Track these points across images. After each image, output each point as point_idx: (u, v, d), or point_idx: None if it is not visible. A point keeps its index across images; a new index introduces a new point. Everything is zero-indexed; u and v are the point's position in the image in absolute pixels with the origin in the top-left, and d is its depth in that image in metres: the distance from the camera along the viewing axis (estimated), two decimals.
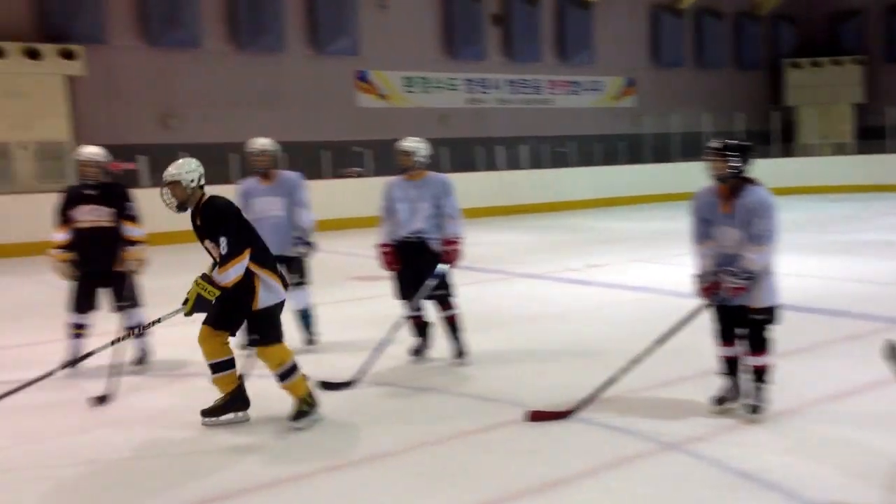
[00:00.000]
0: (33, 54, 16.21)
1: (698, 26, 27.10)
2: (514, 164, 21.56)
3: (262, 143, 6.67)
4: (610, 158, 23.25)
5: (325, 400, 5.32)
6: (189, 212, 4.84)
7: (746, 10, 28.03)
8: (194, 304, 4.65)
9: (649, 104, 25.81)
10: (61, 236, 6.23)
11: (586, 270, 10.67)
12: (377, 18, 21.09)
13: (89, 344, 6.10)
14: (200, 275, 4.73)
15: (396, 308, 6.34)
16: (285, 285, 4.94)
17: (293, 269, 6.52)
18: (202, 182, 4.83)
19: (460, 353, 6.19)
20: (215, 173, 17.38)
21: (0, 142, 16.01)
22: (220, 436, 4.75)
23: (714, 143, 4.74)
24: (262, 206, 6.54)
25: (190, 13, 18.48)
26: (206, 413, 4.90)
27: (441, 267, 6.02)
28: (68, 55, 16.52)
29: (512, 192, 20.60)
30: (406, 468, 4.22)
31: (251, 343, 4.99)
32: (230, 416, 4.90)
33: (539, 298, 9.06)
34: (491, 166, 21.27)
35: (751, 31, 28.18)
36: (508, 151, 21.61)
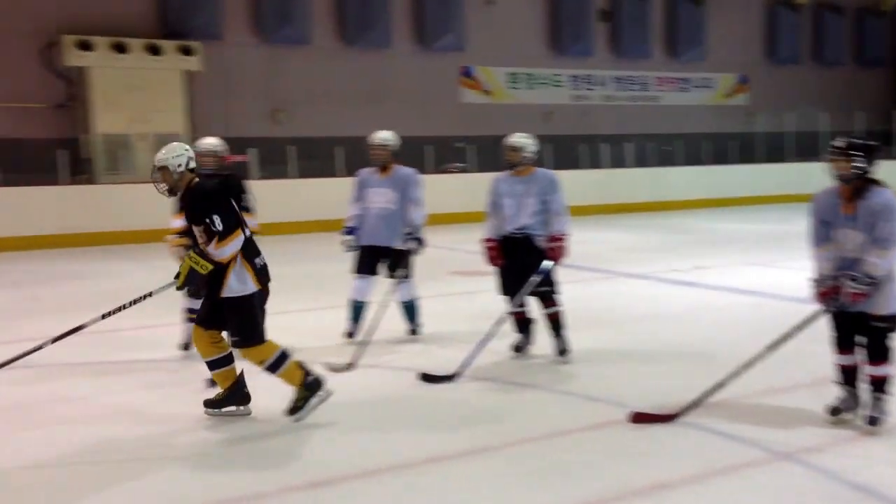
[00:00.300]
0: (154, 50, 16.88)
1: (817, 22, 26.02)
2: (618, 163, 21.20)
3: (382, 136, 6.79)
4: (720, 157, 22.59)
5: (427, 393, 5.36)
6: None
7: (869, 5, 26.76)
8: (186, 277, 4.64)
9: (763, 102, 24.95)
10: (178, 223, 6.46)
11: (694, 272, 10.40)
12: (483, 14, 21.09)
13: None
14: (193, 249, 4.72)
15: (499, 304, 6.32)
16: (264, 282, 4.82)
17: (400, 263, 6.62)
18: (191, 165, 4.79)
19: (563, 351, 6.13)
20: (321, 167, 17.80)
21: (122, 133, 16.74)
22: (311, 427, 4.83)
23: (838, 142, 4.53)
24: (374, 197, 6.69)
25: (301, 10, 18.91)
26: (208, 404, 4.92)
27: (546, 263, 5.98)
28: (187, 51, 17.14)
29: (617, 189, 20.28)
30: (506, 465, 4.20)
31: (234, 344, 4.89)
32: (231, 408, 4.90)
33: (644, 298, 8.89)
34: (595, 164, 20.98)
35: (873, 27, 26.88)
36: (613, 149, 21.27)
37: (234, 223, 4.61)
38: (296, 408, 4.78)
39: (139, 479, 4.09)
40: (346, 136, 16.62)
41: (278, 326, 6.66)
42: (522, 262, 6.03)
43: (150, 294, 5.15)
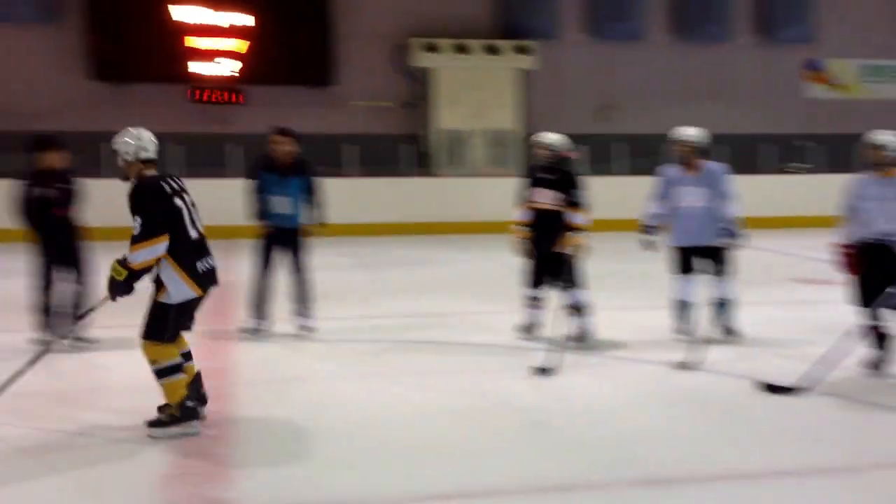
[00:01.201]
0: (493, 50, 17.70)
1: None
2: None
3: (687, 132, 6.59)
4: None
5: (766, 403, 5.04)
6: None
7: None
8: (109, 287, 4.39)
9: None
10: (521, 215, 6.75)
11: None
12: (835, 2, 19.41)
13: (543, 315, 6.67)
14: (117, 258, 4.42)
15: (849, 315, 5.77)
16: (205, 288, 4.55)
17: (716, 260, 6.42)
18: (141, 157, 4.48)
19: None
20: (647, 164, 17.47)
21: (459, 129, 17.76)
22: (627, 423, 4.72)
23: None
24: (685, 196, 6.51)
25: (636, 6, 18.73)
26: (157, 423, 4.52)
27: None
28: (522, 50, 17.75)
29: None
30: (859, 489, 3.81)
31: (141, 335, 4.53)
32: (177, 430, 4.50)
33: None
34: None
35: None
36: None
37: (158, 229, 4.32)
38: (157, 423, 4.47)
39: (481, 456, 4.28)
40: None
41: (603, 324, 6.70)
42: (883, 272, 5.44)
43: (93, 309, 5.08)
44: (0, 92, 16.01)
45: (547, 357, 5.82)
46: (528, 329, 6.76)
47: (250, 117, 16.81)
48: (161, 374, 4.46)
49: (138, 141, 4.50)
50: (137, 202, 4.38)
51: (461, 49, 17.58)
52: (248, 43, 16.84)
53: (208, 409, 4.69)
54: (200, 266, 4.52)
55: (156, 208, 4.36)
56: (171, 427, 4.43)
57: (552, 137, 6.82)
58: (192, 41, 16.59)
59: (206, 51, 16.71)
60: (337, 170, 15.29)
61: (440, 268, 11.43)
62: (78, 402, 5.21)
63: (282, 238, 6.87)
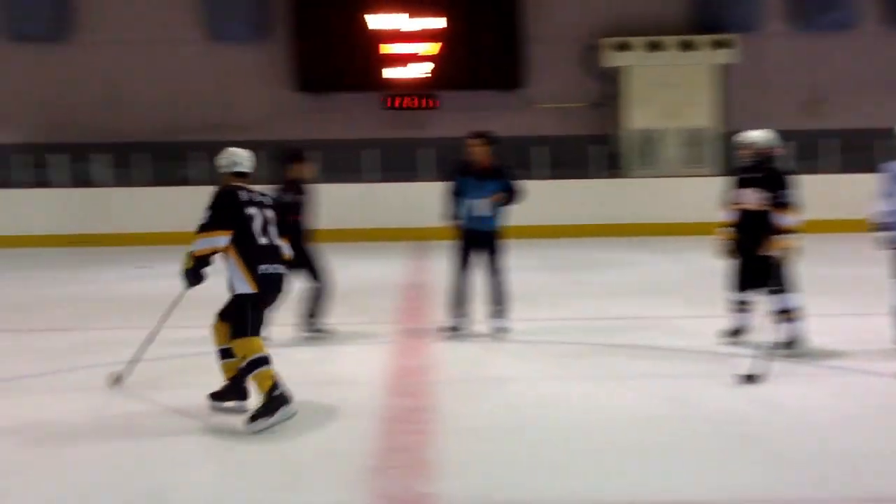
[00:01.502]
0: (687, 46, 17.10)
1: None
2: None
3: None
4: None
5: None
6: None
7: None
8: (182, 275, 5.06)
9: None
10: (726, 216, 6.48)
11: None
12: None
13: (750, 320, 6.43)
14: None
15: None
16: (262, 288, 4.96)
17: None
18: (234, 170, 5.17)
19: None
20: (860, 160, 16.27)
21: (651, 128, 17.31)
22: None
23: None
24: None
25: None
26: (213, 397, 5.13)
27: None
28: (720, 45, 17.05)
29: None
30: None
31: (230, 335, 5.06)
32: (231, 403, 5.07)
33: None
34: None
35: None
36: None
37: (217, 225, 4.94)
38: (255, 417, 4.75)
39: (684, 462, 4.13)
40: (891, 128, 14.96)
41: (815, 330, 6.28)
42: None
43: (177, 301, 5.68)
44: (217, 105, 17.31)
45: (754, 364, 5.53)
46: (734, 334, 6.47)
47: (440, 121, 17.18)
48: (251, 367, 4.85)
49: (234, 157, 5.23)
50: (211, 200, 5.04)
51: (654, 46, 17.12)
52: (438, 46, 17.20)
53: (410, 405, 4.82)
54: (262, 269, 5.01)
55: (220, 208, 5.00)
56: (270, 417, 4.73)
57: (756, 134, 6.49)
58: (386, 48, 17.17)
59: (400, 56, 17.22)
60: (526, 172, 15.33)
61: (633, 270, 11.17)
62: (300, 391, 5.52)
63: (478, 240, 6.97)
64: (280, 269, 5.13)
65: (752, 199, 6.28)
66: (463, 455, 4.28)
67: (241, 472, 4.13)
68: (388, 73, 17.19)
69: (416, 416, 4.87)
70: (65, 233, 15.01)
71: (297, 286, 6.79)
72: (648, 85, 17.17)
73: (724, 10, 17.45)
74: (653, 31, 17.30)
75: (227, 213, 4.98)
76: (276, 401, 4.75)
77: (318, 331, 7.04)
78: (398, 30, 17.19)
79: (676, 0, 17.95)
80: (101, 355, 6.37)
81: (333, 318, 7.13)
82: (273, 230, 5.15)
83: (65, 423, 4.88)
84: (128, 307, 8.76)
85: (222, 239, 4.94)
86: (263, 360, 4.85)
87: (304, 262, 6.86)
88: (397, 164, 16.17)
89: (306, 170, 7.14)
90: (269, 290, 5.08)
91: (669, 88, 17.19)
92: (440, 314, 7.36)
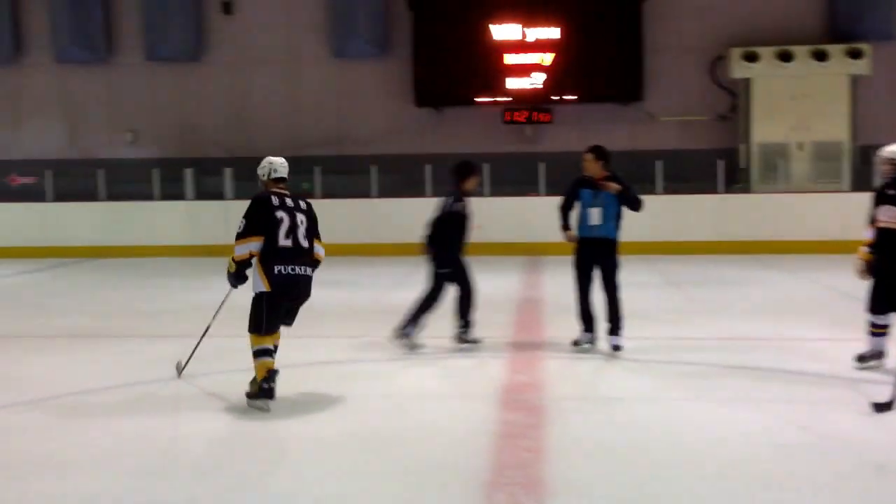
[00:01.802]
0: (820, 56, 16.38)
1: None
2: None
3: None
4: None
5: None
6: None
7: None
8: (228, 278, 5.54)
9: None
10: (868, 235, 6.16)
11: None
12: None
13: (889, 344, 6.12)
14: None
15: None
16: (277, 288, 5.31)
17: None
18: (272, 177, 5.58)
19: None
20: None
21: (779, 142, 16.63)
22: None
23: None
24: None
25: None
26: (248, 395, 5.40)
27: None
28: (855, 54, 16.25)
29: None
30: None
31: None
32: (258, 402, 5.31)
33: None
34: None
35: None
36: None
37: (252, 230, 5.34)
38: (248, 394, 5.38)
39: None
40: None
41: None
42: None
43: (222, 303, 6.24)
44: (340, 119, 17.75)
45: (893, 391, 5.20)
46: (871, 359, 6.11)
47: (556, 135, 17.08)
48: (255, 355, 5.39)
49: (271, 165, 5.63)
50: (248, 207, 5.47)
51: (783, 57, 16.46)
52: (553, 56, 17.02)
53: (525, 421, 4.76)
54: (278, 269, 5.35)
55: (253, 215, 5.41)
56: (250, 399, 5.35)
57: (891, 148, 6.15)
58: (505, 60, 17.18)
59: (518, 67, 17.18)
60: (646, 186, 15.01)
61: (757, 288, 10.72)
62: (413, 405, 5.55)
63: (594, 249, 6.87)
64: (300, 269, 5.45)
65: (891, 216, 5.94)
66: (580, 475, 4.18)
67: (364, 486, 4.14)
68: (506, 86, 17.17)
69: (532, 433, 4.80)
70: (198, 243, 15.60)
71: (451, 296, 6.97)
72: (777, 97, 16.54)
73: (858, 17, 16.64)
74: (783, 41, 16.67)
75: (259, 219, 5.38)
76: (261, 392, 5.29)
77: (470, 341, 7.09)
78: (516, 41, 17.15)
79: (808, 8, 17.24)
80: (226, 363, 6.55)
81: (449, 331, 7.15)
82: (302, 233, 5.47)
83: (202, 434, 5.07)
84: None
85: (255, 243, 5.37)
86: (267, 352, 5.39)
87: (461, 272, 7.03)
88: (513, 177, 16.14)
89: (474, 182, 7.36)
90: (284, 289, 5.40)
91: (801, 100, 16.50)
92: (555, 329, 7.27)
